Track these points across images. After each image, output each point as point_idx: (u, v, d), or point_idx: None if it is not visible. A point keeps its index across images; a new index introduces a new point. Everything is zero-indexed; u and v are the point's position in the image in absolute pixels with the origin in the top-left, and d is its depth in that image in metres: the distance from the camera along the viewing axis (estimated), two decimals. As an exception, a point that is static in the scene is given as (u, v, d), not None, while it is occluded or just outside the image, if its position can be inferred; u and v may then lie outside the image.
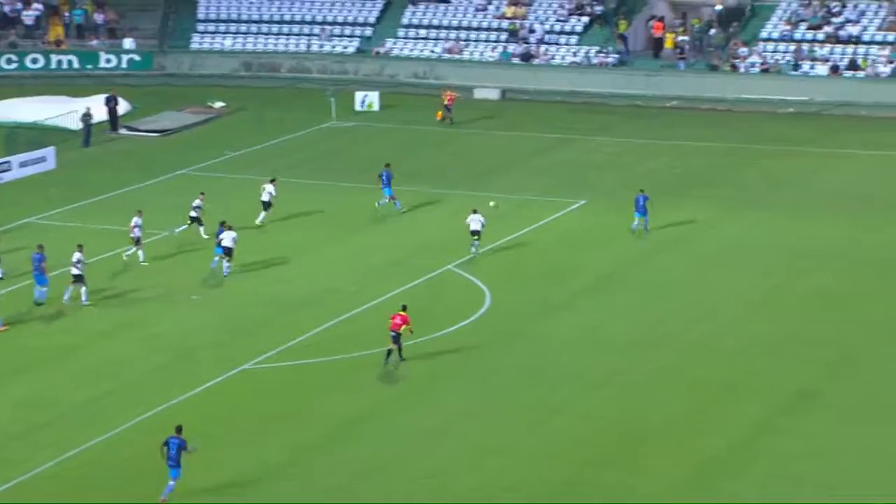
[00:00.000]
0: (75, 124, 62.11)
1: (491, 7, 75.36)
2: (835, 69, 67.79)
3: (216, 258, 45.09)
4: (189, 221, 48.17)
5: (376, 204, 51.32)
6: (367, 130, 64.87)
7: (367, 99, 68.12)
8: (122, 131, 63.85)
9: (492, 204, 48.90)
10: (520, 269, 45.71)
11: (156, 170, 57.36)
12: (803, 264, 45.87)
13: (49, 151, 58.33)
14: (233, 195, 53.95)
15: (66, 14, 75.13)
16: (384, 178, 51.61)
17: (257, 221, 49.23)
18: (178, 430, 31.59)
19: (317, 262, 47.03)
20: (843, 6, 70.86)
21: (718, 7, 72.42)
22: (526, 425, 34.95)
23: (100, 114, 63.28)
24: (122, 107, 65.20)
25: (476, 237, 46.48)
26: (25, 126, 61.62)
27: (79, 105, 63.29)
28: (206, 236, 47.73)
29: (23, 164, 56.97)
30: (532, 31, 73.46)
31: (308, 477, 32.47)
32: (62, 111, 63.43)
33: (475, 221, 46.46)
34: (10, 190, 54.72)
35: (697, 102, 68.15)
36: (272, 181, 50.09)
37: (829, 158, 58.86)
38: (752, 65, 68.88)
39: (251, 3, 77.30)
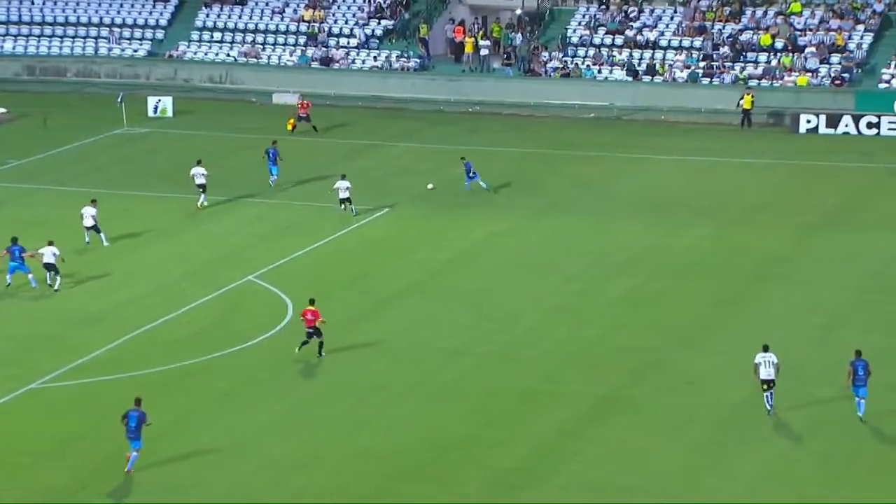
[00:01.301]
0: None
1: (288, 10, 73.96)
2: (634, 74, 68.39)
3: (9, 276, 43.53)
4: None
5: (270, 183, 53.73)
6: (160, 137, 62.92)
7: (161, 104, 66.10)
8: None
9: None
10: (323, 279, 44.70)
11: (-68, 179, 54.45)
12: (605, 269, 45.93)
13: None
14: (16, 205, 51.49)
15: None
16: (270, 155, 53.51)
17: (106, 243, 47.37)
18: (138, 402, 32.31)
19: (109, 275, 45.15)
20: (641, 11, 71.60)
21: (518, 11, 72.41)
22: (329, 439, 34.14)
23: None
24: None
25: (347, 203, 50.31)
26: None
27: None
28: (107, 244, 47.21)
29: None
30: (331, 34, 72.33)
31: (101, 499, 31.15)
32: None
33: (343, 190, 49.96)
34: None
35: (500, 107, 67.98)
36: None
37: (629, 163, 59.28)
38: (553, 69, 69.05)
39: (34, 3, 74.28)
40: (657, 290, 44.11)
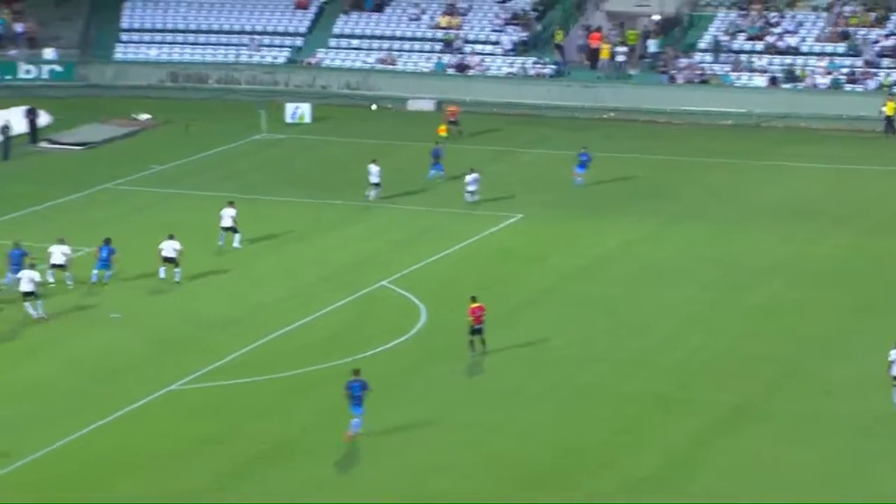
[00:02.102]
0: (-6, 137, 60.28)
1: (425, 17, 74.33)
2: (773, 80, 67.38)
3: (95, 272, 44.27)
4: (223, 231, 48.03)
5: (428, 179, 55.35)
6: (298, 143, 63.64)
7: (299, 111, 66.87)
8: (43, 144, 62.05)
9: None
10: (456, 285, 44.75)
11: (78, 184, 55.77)
12: (742, 278, 45.33)
13: (-35, 165, 56.55)
14: (158, 209, 52.50)
15: (-15, 23, 73.25)
16: (435, 154, 55.44)
17: (238, 245, 47.77)
18: (356, 372, 34.20)
19: (244, 278, 45.81)
20: (782, 17, 70.53)
21: (656, 17, 71.83)
22: (464, 443, 34.18)
23: (19, 126, 61.45)
24: (43, 119, 63.41)
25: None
26: (-58, 139, 59.70)
27: (-2, 117, 61.52)
28: (239, 245, 47.52)
29: (-65, 178, 55.17)
30: (467, 41, 72.52)
31: (242, 499, 31.50)
32: (-21, 124, 61.58)
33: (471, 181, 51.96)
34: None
35: (636, 114, 67.50)
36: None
37: (767, 171, 58.43)
38: (691, 76, 68.33)
39: (177, 12, 75.71)
40: (794, 298, 43.41)
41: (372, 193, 53.38)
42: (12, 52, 72.43)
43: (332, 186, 56.34)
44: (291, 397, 37.02)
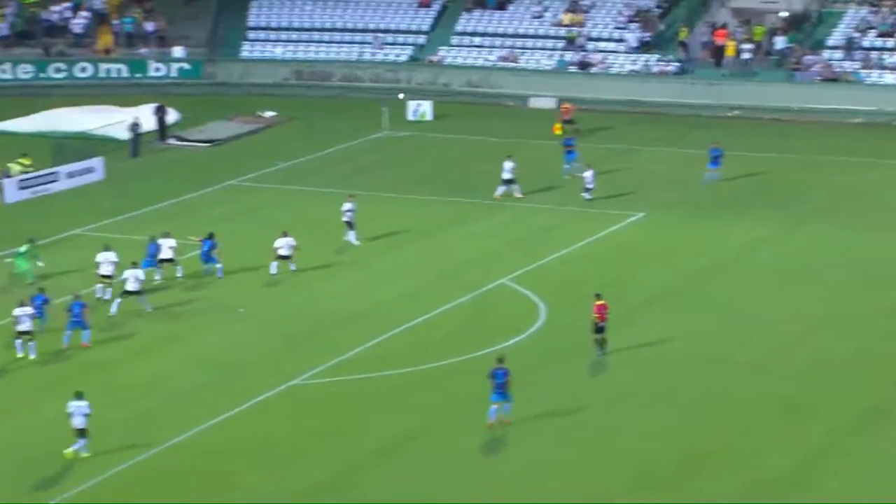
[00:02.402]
0: (124, 134, 61.28)
1: (548, 14, 74.04)
2: (904, 77, 65.98)
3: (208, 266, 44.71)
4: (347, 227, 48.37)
5: (563, 173, 55.26)
6: (419, 140, 63.80)
7: (420, 108, 67.04)
8: (171, 141, 63.02)
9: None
10: (576, 284, 44.47)
11: (204, 180, 56.50)
12: (872, 280, 44.44)
13: (97, 162, 57.56)
14: (281, 206, 52.98)
15: (116, 22, 74.51)
16: (567, 144, 55.98)
17: (356, 242, 47.88)
18: (500, 360, 34.59)
19: (365, 274, 46.04)
20: (914, 12, 69.03)
21: (784, 14, 70.67)
22: (582, 444, 33.99)
23: (148, 123, 62.46)
24: (171, 116, 64.37)
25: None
26: (74, 136, 60.83)
27: (127, 114, 62.53)
28: (357, 242, 47.64)
29: (70, 175, 56.22)
30: (590, 38, 72.06)
31: (356, 496, 31.68)
32: (111, 121, 62.73)
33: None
34: (57, 201, 53.94)
35: (761, 112, 66.50)
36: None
37: (897, 170, 57.19)
38: (818, 73, 67.12)
39: (303, 10, 76.37)
40: (925, 301, 42.44)
41: (500, 190, 53.07)
42: (142, 50, 73.71)
43: (453, 184, 56.38)
44: (411, 394, 37.10)
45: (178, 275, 44.64)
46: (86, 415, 32.98)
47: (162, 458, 33.25)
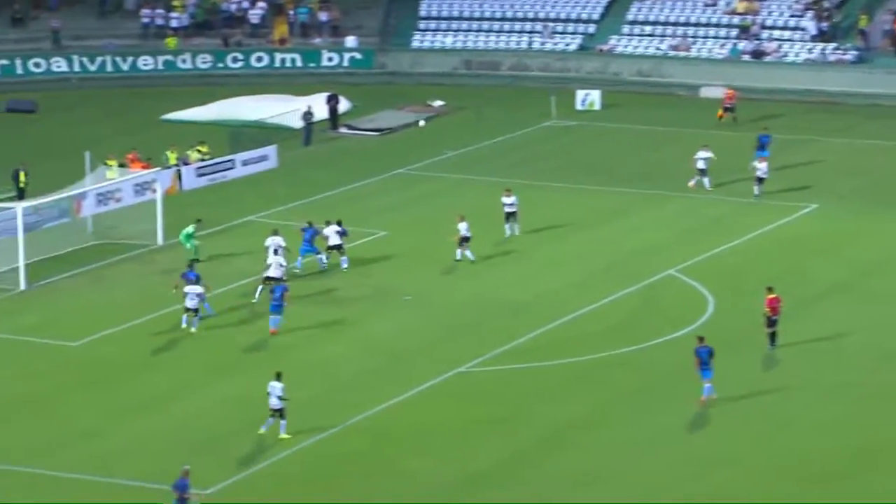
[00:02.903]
0: (297, 123, 62.39)
1: (721, 2, 73.06)
2: None
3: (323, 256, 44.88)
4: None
5: (750, 168, 52.61)
6: (587, 130, 63.60)
7: (589, 98, 66.83)
8: (342, 130, 63.93)
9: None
10: (746, 276, 43.94)
11: (374, 169, 57.21)
12: None
13: (271, 150, 58.71)
14: (451, 195, 53.36)
15: (291, 12, 75.84)
16: (762, 141, 54.18)
17: (517, 233, 47.77)
18: (701, 339, 35.25)
19: (531, 264, 46.16)
20: None
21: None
22: (751, 437, 33.54)
23: (321, 112, 63.46)
24: (343, 105, 65.27)
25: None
26: (249, 125, 62.13)
27: (301, 103, 63.61)
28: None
29: (245, 163, 57.45)
30: (765, 27, 70.86)
31: (519, 484, 31.83)
32: (285, 109, 63.81)
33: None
34: (233, 188, 55.18)
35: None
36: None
37: None
38: None
39: (473, 0, 76.66)
40: None
41: (693, 181, 52.45)
42: (316, 40, 74.91)
43: (620, 174, 56.09)
44: (575, 384, 37.12)
45: (344, 265, 45.04)
46: (279, 396, 33.63)
47: (330, 441, 33.86)
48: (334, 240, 45.28)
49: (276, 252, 43.13)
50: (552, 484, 31.87)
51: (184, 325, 40.25)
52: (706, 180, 52.60)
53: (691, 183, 52.76)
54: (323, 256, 45.06)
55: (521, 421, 34.95)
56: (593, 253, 47.09)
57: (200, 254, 45.29)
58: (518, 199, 48.15)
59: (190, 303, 40.00)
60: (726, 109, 62.68)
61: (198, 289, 40.29)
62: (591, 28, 74.06)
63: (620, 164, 57.77)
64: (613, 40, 72.86)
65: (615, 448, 33.50)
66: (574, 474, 32.27)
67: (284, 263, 42.75)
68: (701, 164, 52.82)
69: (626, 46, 72.45)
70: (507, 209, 47.80)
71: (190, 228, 45.70)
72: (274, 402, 33.69)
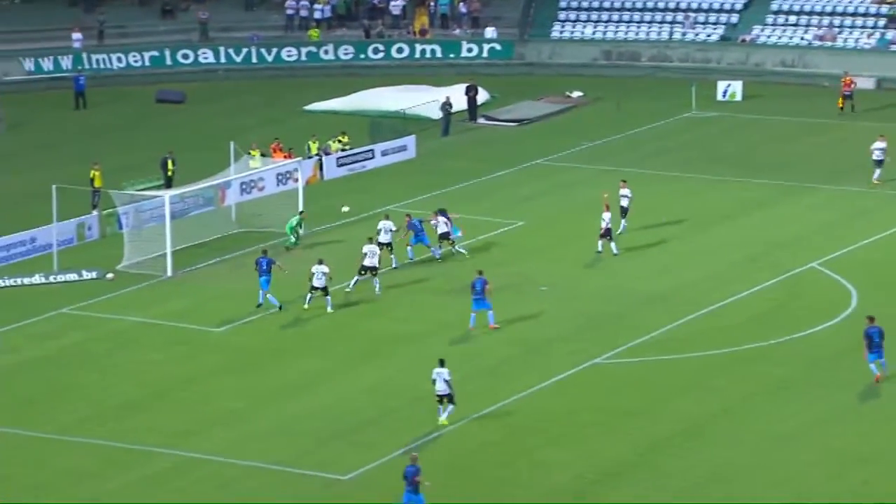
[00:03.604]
0: (436, 113, 62.79)
1: (868, -9, 71.71)
2: None
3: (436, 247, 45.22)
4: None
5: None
6: (728, 121, 62.91)
7: (730, 88, 66.09)
8: (481, 121, 64.15)
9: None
10: (891, 270, 43.03)
11: (512, 160, 57.32)
12: None
13: (410, 140, 59.19)
14: (588, 186, 53.25)
15: (432, 4, 76.30)
16: None
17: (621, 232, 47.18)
18: (871, 318, 35.17)
19: (670, 255, 45.88)
20: None
21: None
22: (893, 434, 33.07)
23: (460, 103, 63.75)
24: (481, 96, 65.48)
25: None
26: (389, 115, 62.73)
27: (440, 94, 63.99)
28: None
29: (384, 153, 58.00)
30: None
31: (656, 477, 31.72)
32: (424, 100, 64.26)
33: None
34: (371, 178, 55.75)
35: None
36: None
37: None
38: None
39: (614, -10, 76.36)
40: None
41: (877, 173, 51.30)
42: (456, 31, 75.27)
43: (761, 165, 55.43)
44: (713, 376, 36.83)
45: (459, 250, 45.07)
46: (446, 380, 33.89)
47: (468, 429, 34.04)
48: (442, 228, 45.31)
49: (379, 238, 43.49)
50: (691, 477, 31.65)
51: (306, 306, 40.86)
52: (877, 172, 51.46)
53: (875, 178, 51.34)
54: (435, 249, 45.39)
55: (658, 413, 34.79)
56: (733, 245, 46.62)
57: (296, 243, 45.74)
58: (632, 192, 47.11)
59: (317, 282, 40.65)
60: (845, 97, 61.47)
61: (324, 268, 40.92)
62: (734, 18, 73.19)
63: (762, 156, 57.07)
64: (756, 30, 71.91)
65: (755, 442, 33.16)
66: (713, 468, 32.03)
67: (378, 252, 42.55)
68: (878, 155, 51.58)
69: (769, 37, 71.45)
70: (622, 202, 46.86)
71: (294, 220, 46.23)
72: (441, 388, 33.92)
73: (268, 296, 41.25)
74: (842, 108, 61.31)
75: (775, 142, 59.11)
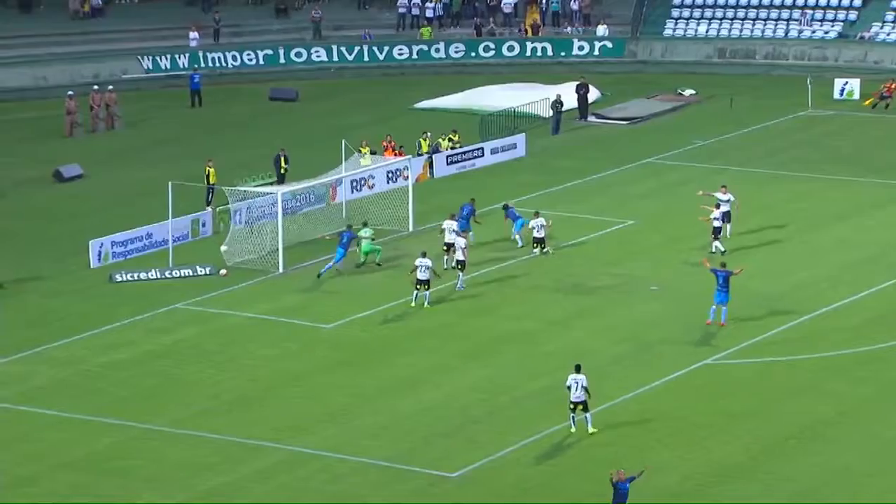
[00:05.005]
0: (546, 111, 62.58)
1: None
2: None
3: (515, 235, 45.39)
4: None
5: None
6: (845, 120, 61.84)
7: (847, 87, 64.96)
8: (592, 119, 63.79)
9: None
10: None
11: (623, 158, 56.92)
12: None
13: (520, 138, 59.06)
14: (700, 185, 52.63)
15: (543, 2, 76.09)
16: None
17: (728, 235, 45.96)
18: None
19: (784, 256, 45.22)
20: None
21: None
22: None
23: (570, 101, 63.47)
24: (592, 94, 65.14)
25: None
26: (500, 113, 62.65)
27: (550, 92, 63.77)
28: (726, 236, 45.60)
29: (494, 151, 57.94)
30: None
31: (771, 479, 31.28)
32: (534, 98, 64.07)
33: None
34: (481, 176, 55.71)
35: None
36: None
37: None
38: None
39: (730, -13, 75.46)
40: None
41: None
42: (568, 29, 74.97)
43: (878, 165, 54.41)
44: (829, 378, 36.22)
45: (545, 252, 44.81)
46: (584, 388, 33.23)
47: (577, 429, 33.82)
48: (538, 233, 44.96)
49: (445, 238, 43.62)
50: (805, 480, 31.17)
51: (413, 303, 40.93)
52: None
53: None
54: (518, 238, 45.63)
55: (772, 415, 34.30)
56: (850, 245, 45.83)
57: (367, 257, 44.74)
58: (735, 197, 45.90)
59: (422, 275, 40.74)
60: (882, 97, 60.14)
61: (427, 261, 40.95)
62: (853, 15, 71.94)
63: (879, 155, 56.02)
64: (876, 27, 70.59)
65: (872, 446, 32.58)
66: (828, 472, 31.51)
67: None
68: None
69: (889, 34, 70.09)
70: (724, 207, 45.32)
71: (365, 241, 44.60)
72: (578, 395, 33.19)
73: (336, 266, 42.51)
74: (872, 106, 59.95)
75: (893, 141, 57.95)
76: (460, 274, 42.64)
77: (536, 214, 45.53)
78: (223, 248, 45.08)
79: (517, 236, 46.17)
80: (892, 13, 71.16)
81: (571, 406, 33.36)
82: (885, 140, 58.37)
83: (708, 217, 44.78)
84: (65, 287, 43.94)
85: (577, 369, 33.54)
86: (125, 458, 32.96)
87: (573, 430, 33.42)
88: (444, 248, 43.78)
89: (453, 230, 43.98)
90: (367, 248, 44.73)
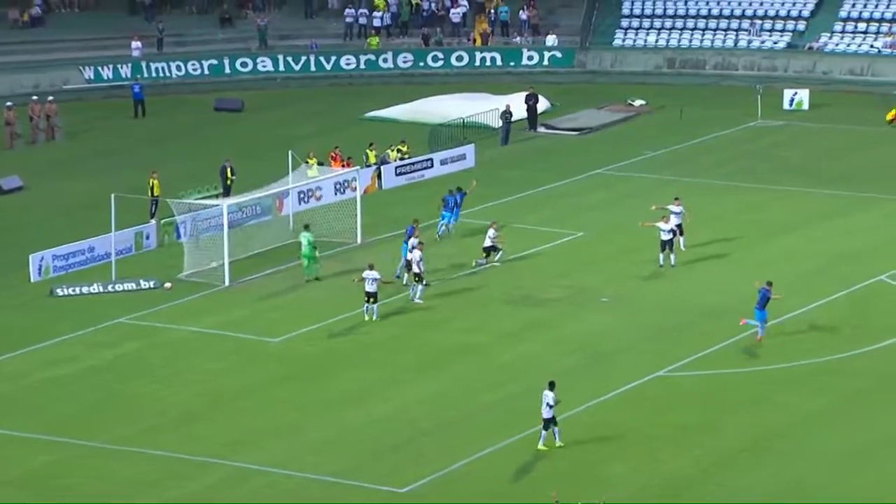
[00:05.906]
0: (495, 122, 62.28)
1: (941, -2, 70.52)
2: None
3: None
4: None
5: None
6: (794, 130, 61.93)
7: (797, 97, 65.08)
8: (541, 129, 63.55)
9: (213, 265, 44.57)
10: (961, 282, 42.11)
11: (572, 169, 56.68)
12: None
13: (469, 149, 58.70)
14: (650, 196, 52.49)
15: (492, 12, 75.86)
16: None
17: (682, 248, 45.74)
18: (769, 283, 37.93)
19: (734, 267, 45.04)
20: None
21: None
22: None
23: (519, 111, 63.20)
24: (542, 105, 64.90)
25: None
26: (448, 123, 62.28)
27: (500, 102, 63.48)
28: (682, 249, 44.96)
29: (443, 162, 57.54)
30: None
31: (724, 492, 31.12)
32: (483, 108, 63.76)
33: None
34: (429, 187, 55.27)
35: None
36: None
37: None
38: None
39: (676, -2, 75.58)
40: None
41: None
42: (516, 38, 74.79)
43: (827, 176, 54.49)
44: (778, 391, 36.06)
45: (497, 262, 44.60)
46: (549, 405, 32.87)
47: (528, 441, 33.49)
48: (489, 242, 44.68)
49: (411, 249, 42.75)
50: (758, 493, 30.98)
51: (366, 317, 40.53)
52: None
53: None
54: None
55: (724, 427, 34.11)
56: (799, 257, 45.77)
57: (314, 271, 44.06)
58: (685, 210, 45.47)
59: (370, 287, 40.38)
60: None
61: (375, 273, 40.56)
62: (801, 25, 72.20)
63: (828, 166, 56.09)
64: (824, 38, 70.87)
65: (824, 458, 32.43)
66: (780, 484, 31.32)
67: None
68: None
69: (837, 45, 70.39)
70: (675, 220, 44.72)
71: (305, 245, 44.02)
72: (545, 412, 32.91)
73: (448, 226, 45.90)
74: (891, 122, 60.24)
75: (843, 152, 58.09)
76: (419, 286, 42.15)
77: (493, 224, 45.17)
78: (213, 263, 44.08)
79: (438, 234, 46.14)
80: (841, 24, 71.47)
81: (543, 422, 33.11)
82: (833, 151, 58.47)
83: (651, 222, 44.41)
84: (4, 302, 43.22)
85: (550, 386, 33.13)
86: (66, 477, 32.32)
87: (540, 446, 33.00)
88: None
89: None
90: (308, 254, 44.07)
